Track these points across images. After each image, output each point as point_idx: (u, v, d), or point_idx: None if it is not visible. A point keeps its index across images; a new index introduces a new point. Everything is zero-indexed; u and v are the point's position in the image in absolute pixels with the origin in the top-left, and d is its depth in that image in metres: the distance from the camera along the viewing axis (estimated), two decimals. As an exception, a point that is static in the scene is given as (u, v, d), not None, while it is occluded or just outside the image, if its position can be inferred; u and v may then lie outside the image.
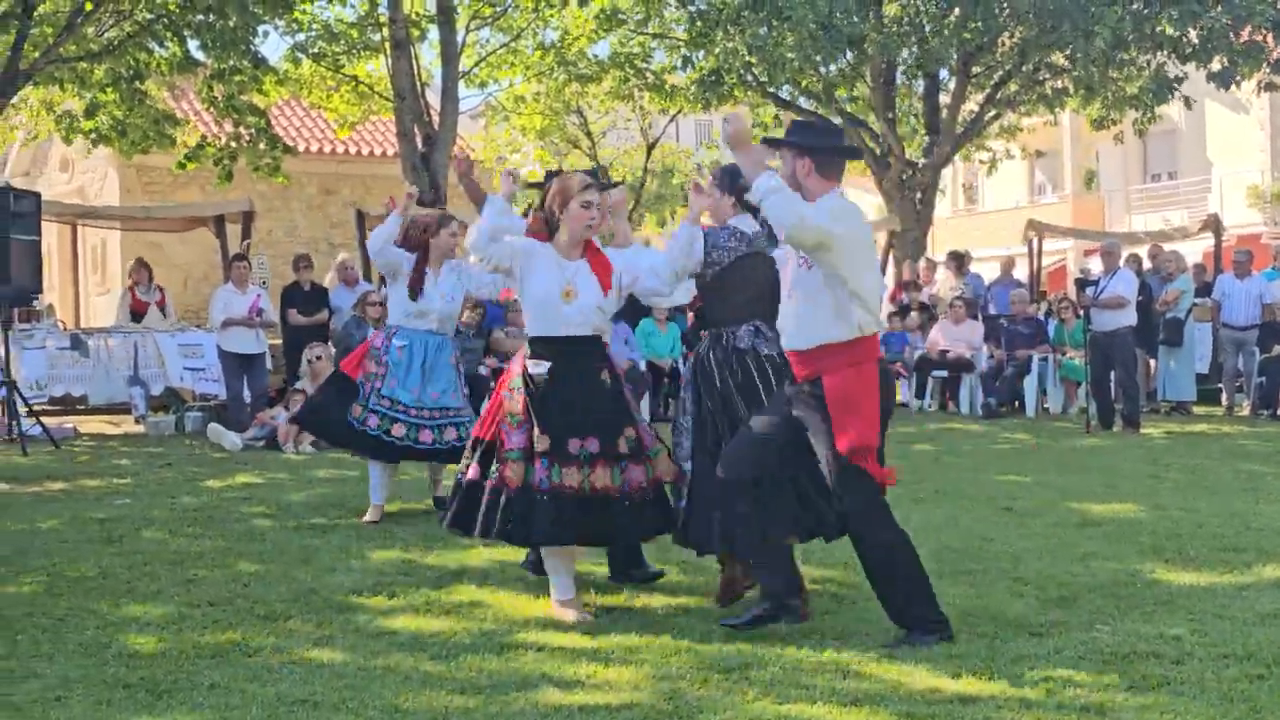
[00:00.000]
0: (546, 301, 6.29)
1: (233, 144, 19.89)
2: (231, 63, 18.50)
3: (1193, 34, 20.17)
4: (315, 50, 21.38)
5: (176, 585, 7.04)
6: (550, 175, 8.07)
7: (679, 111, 26.09)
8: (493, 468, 6.26)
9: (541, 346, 6.32)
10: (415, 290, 8.84)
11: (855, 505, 5.77)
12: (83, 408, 16.47)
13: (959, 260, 19.70)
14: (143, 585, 7.06)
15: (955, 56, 21.37)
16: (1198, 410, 17.33)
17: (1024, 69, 21.76)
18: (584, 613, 6.31)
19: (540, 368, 6.23)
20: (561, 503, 6.12)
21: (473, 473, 6.36)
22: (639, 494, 6.28)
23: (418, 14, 21.32)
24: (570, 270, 6.31)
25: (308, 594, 6.81)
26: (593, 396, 6.25)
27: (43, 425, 13.99)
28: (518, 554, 7.75)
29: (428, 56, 22.80)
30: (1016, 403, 17.42)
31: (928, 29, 21.10)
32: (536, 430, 6.17)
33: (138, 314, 17.07)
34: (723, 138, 6.09)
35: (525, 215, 6.84)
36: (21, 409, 13.84)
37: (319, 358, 14.28)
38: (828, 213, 5.74)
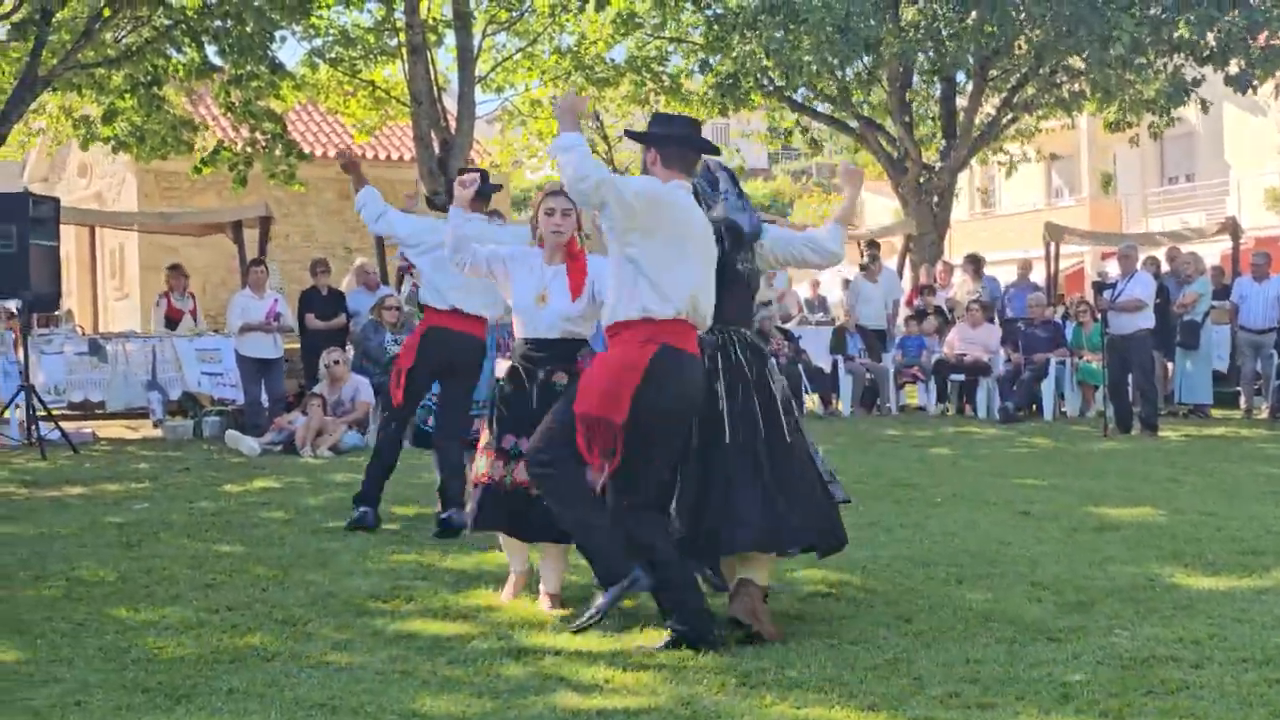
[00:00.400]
0: (523, 304, 6.58)
1: (249, 149, 19.92)
2: (249, 68, 18.54)
3: (1210, 38, 20.13)
4: (332, 55, 21.43)
5: (195, 590, 7.06)
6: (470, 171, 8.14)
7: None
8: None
9: (520, 346, 6.61)
10: None
11: (559, 474, 5.91)
12: (101, 412, 16.53)
13: (976, 263, 19.67)
14: (161, 590, 7.08)
15: (972, 60, 21.35)
16: (1216, 413, 17.28)
17: (1041, 72, 21.73)
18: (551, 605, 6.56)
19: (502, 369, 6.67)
20: (485, 493, 6.53)
21: None
22: None
23: (434, 19, 21.36)
24: (548, 275, 6.55)
25: (325, 598, 6.82)
26: (541, 398, 6.42)
27: (61, 430, 14.05)
28: (534, 556, 7.78)
29: (445, 61, 22.85)
30: (1034, 406, 17.37)
31: (944, 32, 21.09)
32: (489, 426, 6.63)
33: (173, 321, 17.10)
34: (555, 109, 6.15)
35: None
36: (40, 413, 13.92)
37: (336, 362, 14.32)
38: (634, 183, 5.82)
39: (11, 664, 5.65)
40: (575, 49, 23.79)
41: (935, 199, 22.96)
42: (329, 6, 21.04)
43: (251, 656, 5.72)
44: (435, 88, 20.61)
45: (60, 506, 10.09)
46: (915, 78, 23.43)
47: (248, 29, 17.80)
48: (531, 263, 6.60)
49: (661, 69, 24.37)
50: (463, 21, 20.39)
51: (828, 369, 17.71)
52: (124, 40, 18.66)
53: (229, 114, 19.83)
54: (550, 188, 6.65)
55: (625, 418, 5.61)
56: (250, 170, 19.93)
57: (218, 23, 17.98)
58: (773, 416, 6.07)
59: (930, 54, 21.49)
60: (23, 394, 14.01)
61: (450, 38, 21.25)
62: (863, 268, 18.97)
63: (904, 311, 19.35)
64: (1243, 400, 17.63)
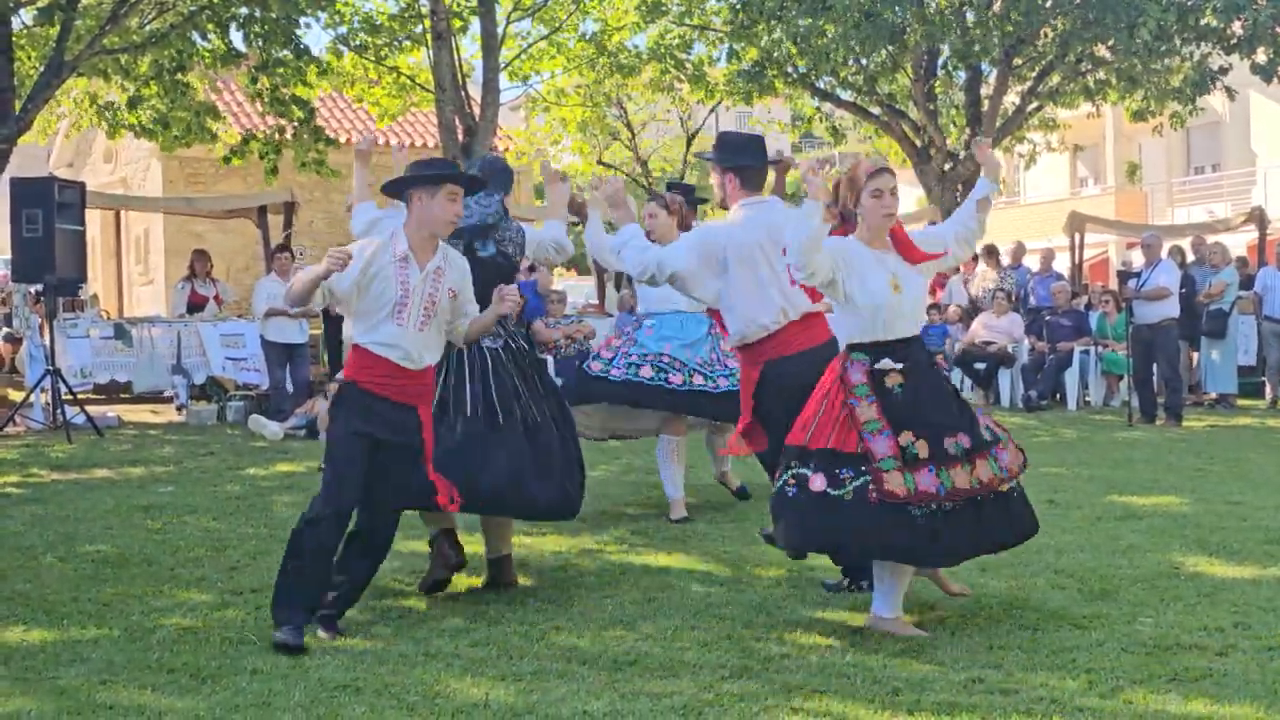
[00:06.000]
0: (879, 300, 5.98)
1: (277, 136, 19.94)
2: (275, 54, 18.55)
3: (1237, 26, 20.01)
4: (357, 43, 21.43)
5: (219, 572, 7.10)
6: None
7: (718, 103, 26.03)
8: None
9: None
10: None
11: None
12: (126, 396, 16.60)
13: (993, 253, 19.55)
14: (186, 572, 7.12)
15: (998, 47, 21.26)
16: (1241, 403, 17.21)
17: (1066, 60, 21.63)
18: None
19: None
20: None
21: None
22: None
23: (459, 5, 21.35)
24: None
25: (349, 581, 6.84)
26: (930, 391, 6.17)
27: (87, 414, 14.11)
28: (557, 543, 7.81)
29: (469, 49, 22.83)
30: (1057, 395, 17.32)
31: (970, 19, 21.00)
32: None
33: (196, 307, 17.17)
34: (602, 194, 6.74)
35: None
36: (66, 397, 13.97)
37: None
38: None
39: (38, 644, 5.69)
40: (599, 35, 23.75)
41: (959, 187, 22.87)
42: (354, -8, 21.07)
43: (276, 638, 5.75)
44: (459, 74, 20.60)
45: (86, 489, 10.14)
46: (939, 66, 23.33)
47: (272, 14, 17.80)
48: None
49: (685, 56, 24.30)
50: (487, 8, 20.36)
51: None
52: (149, 26, 18.67)
53: (257, 101, 19.82)
54: (872, 166, 5.98)
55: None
56: (279, 159, 19.94)
57: (243, 9, 17.99)
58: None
59: (955, 42, 21.38)
60: (48, 377, 14.08)
61: (475, 25, 21.22)
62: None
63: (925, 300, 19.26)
64: (1268, 390, 17.55)
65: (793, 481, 5.75)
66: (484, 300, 6.23)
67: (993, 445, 5.89)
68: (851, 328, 5.92)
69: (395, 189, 5.97)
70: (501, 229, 6.79)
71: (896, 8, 20.22)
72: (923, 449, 5.66)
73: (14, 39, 16.99)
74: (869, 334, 5.85)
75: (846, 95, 23.94)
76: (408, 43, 21.80)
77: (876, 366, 5.81)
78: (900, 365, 5.82)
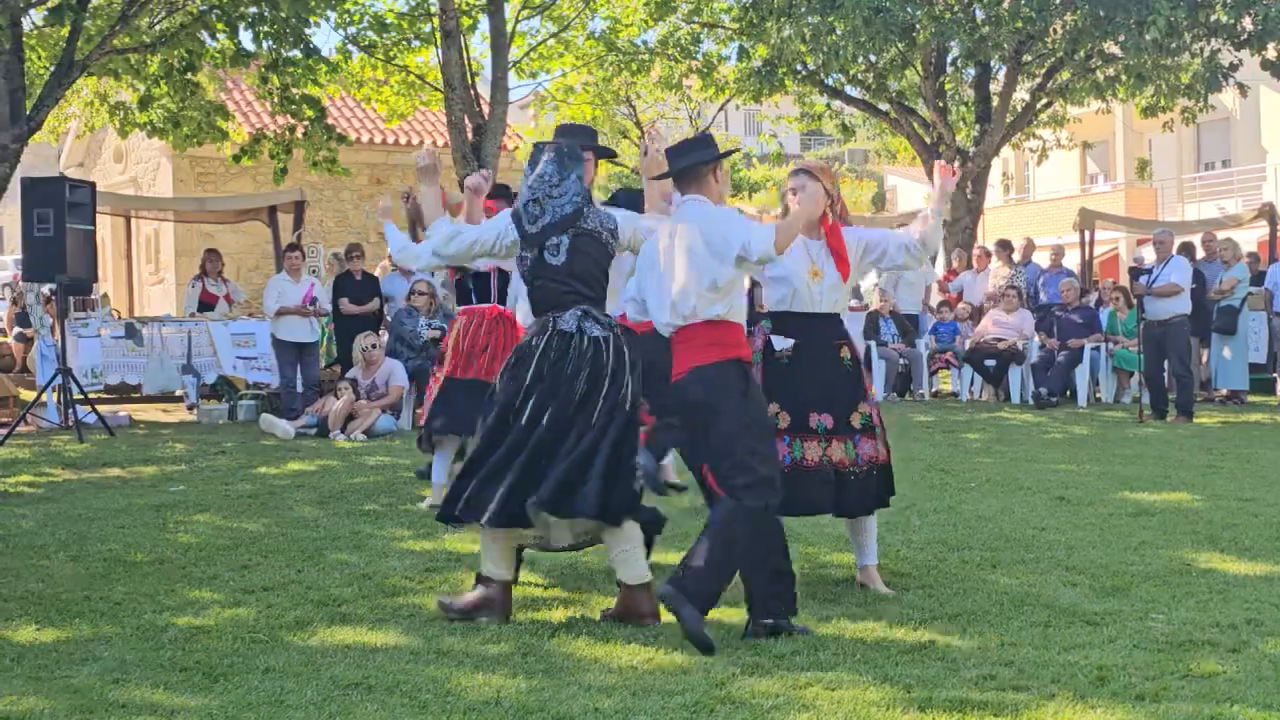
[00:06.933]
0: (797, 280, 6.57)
1: (287, 134, 19.96)
2: (284, 54, 18.57)
3: (1247, 21, 19.97)
4: (366, 43, 21.46)
5: (231, 570, 7.11)
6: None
7: (727, 100, 26.04)
8: None
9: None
10: None
11: None
12: (136, 395, 16.64)
13: (1006, 249, 19.53)
14: (198, 570, 7.13)
15: (1008, 44, 21.23)
16: (1252, 399, 17.17)
17: (1075, 57, 21.61)
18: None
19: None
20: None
21: None
22: None
23: (468, 4, 21.36)
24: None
25: (361, 579, 6.86)
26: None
27: (98, 413, 14.13)
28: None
29: (478, 47, 22.85)
30: (1068, 392, 17.29)
31: (980, 16, 20.98)
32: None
33: (207, 306, 17.20)
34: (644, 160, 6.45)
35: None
36: (77, 396, 14.00)
37: (374, 346, 14.35)
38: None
39: (51, 643, 5.70)
40: (608, 33, 23.77)
41: (969, 184, 22.86)
42: (363, -9, 21.09)
43: (288, 636, 5.76)
44: (468, 73, 20.61)
45: (98, 488, 10.17)
46: (948, 62, 23.32)
47: (282, 14, 17.82)
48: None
49: (696, 49, 24.33)
50: (495, 6, 20.37)
51: (860, 354, 17.62)
52: (159, 25, 18.70)
53: (267, 101, 19.84)
54: (793, 167, 6.75)
55: None
56: (290, 159, 19.96)
57: (252, 9, 18.01)
58: None
59: (964, 40, 21.36)
60: (60, 377, 14.11)
61: (484, 23, 21.24)
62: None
63: (936, 295, 19.27)
64: (1279, 386, 17.51)
65: None
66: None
67: (860, 433, 6.44)
68: (768, 297, 6.57)
69: (696, 167, 5.94)
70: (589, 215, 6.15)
71: (907, 5, 20.21)
72: (784, 420, 6.30)
73: (24, 39, 17.01)
74: (778, 304, 6.49)
75: (856, 92, 23.96)
76: (416, 42, 21.83)
77: (771, 341, 6.45)
78: (790, 343, 6.42)
